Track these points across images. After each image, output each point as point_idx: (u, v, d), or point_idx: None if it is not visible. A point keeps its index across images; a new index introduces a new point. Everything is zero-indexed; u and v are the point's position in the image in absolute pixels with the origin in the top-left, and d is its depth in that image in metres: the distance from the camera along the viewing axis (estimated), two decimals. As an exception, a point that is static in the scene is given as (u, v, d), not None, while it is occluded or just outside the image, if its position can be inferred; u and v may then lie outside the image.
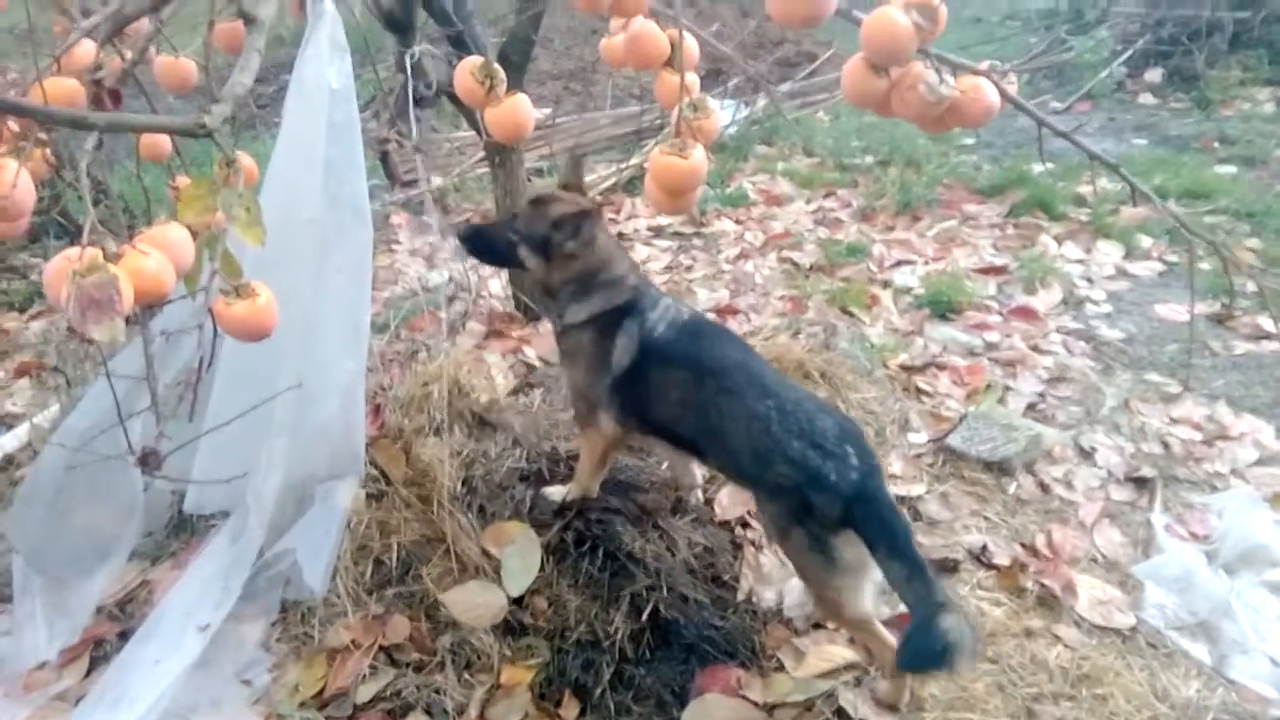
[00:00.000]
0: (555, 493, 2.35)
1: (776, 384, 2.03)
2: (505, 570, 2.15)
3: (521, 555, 2.17)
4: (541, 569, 2.16)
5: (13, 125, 1.47)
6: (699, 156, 1.46)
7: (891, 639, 1.91)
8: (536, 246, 2.12)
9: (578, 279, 2.14)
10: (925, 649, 1.66)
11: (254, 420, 1.85)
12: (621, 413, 2.15)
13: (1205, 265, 3.64)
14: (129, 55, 1.70)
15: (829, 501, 1.81)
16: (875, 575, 1.85)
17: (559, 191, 2.22)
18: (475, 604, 2.10)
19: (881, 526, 1.79)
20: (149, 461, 1.44)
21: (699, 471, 2.50)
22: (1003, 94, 1.38)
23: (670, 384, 2.08)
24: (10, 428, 2.95)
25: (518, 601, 2.13)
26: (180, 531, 2.42)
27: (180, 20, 1.78)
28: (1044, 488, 2.63)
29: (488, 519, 2.29)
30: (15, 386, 3.27)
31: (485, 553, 2.19)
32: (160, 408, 1.40)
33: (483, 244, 2.29)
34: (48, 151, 1.56)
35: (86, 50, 1.57)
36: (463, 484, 2.36)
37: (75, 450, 1.90)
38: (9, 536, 2.27)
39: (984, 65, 1.40)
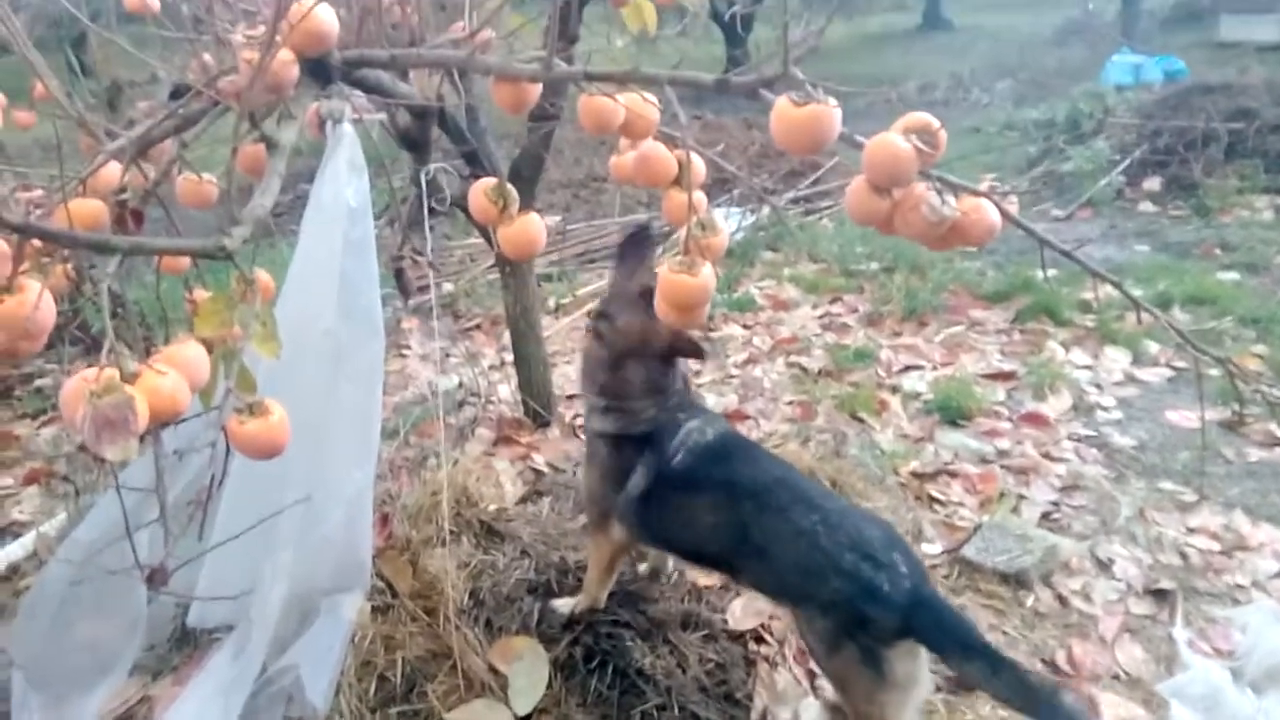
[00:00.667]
0: (563, 605, 2.32)
1: (819, 496, 2.00)
2: (512, 688, 2.10)
3: (529, 672, 2.12)
4: (549, 686, 2.11)
5: (36, 243, 1.51)
6: (707, 274, 1.48)
7: None
8: (623, 337, 2.11)
9: (621, 386, 2.12)
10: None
11: (260, 532, 1.84)
12: (635, 530, 2.14)
13: (1214, 371, 3.62)
14: (152, 175, 1.76)
15: (886, 613, 1.77)
16: (921, 694, 1.85)
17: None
18: (481, 723, 2.05)
19: (947, 630, 1.77)
20: (156, 578, 1.43)
21: (671, 560, 2.48)
22: (1004, 213, 1.40)
23: (699, 509, 2.04)
24: (17, 536, 2.92)
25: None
26: (183, 645, 2.37)
27: (201, 138, 1.85)
28: (1062, 601, 2.58)
29: (495, 633, 2.25)
30: (24, 494, 3.25)
31: (492, 669, 2.15)
32: (169, 523, 1.40)
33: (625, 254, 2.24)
34: (69, 267, 1.60)
35: (112, 171, 1.62)
36: (470, 596, 2.33)
37: (81, 564, 1.88)
38: (10, 650, 2.23)
39: (985, 185, 1.43)
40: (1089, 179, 6.74)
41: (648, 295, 1.89)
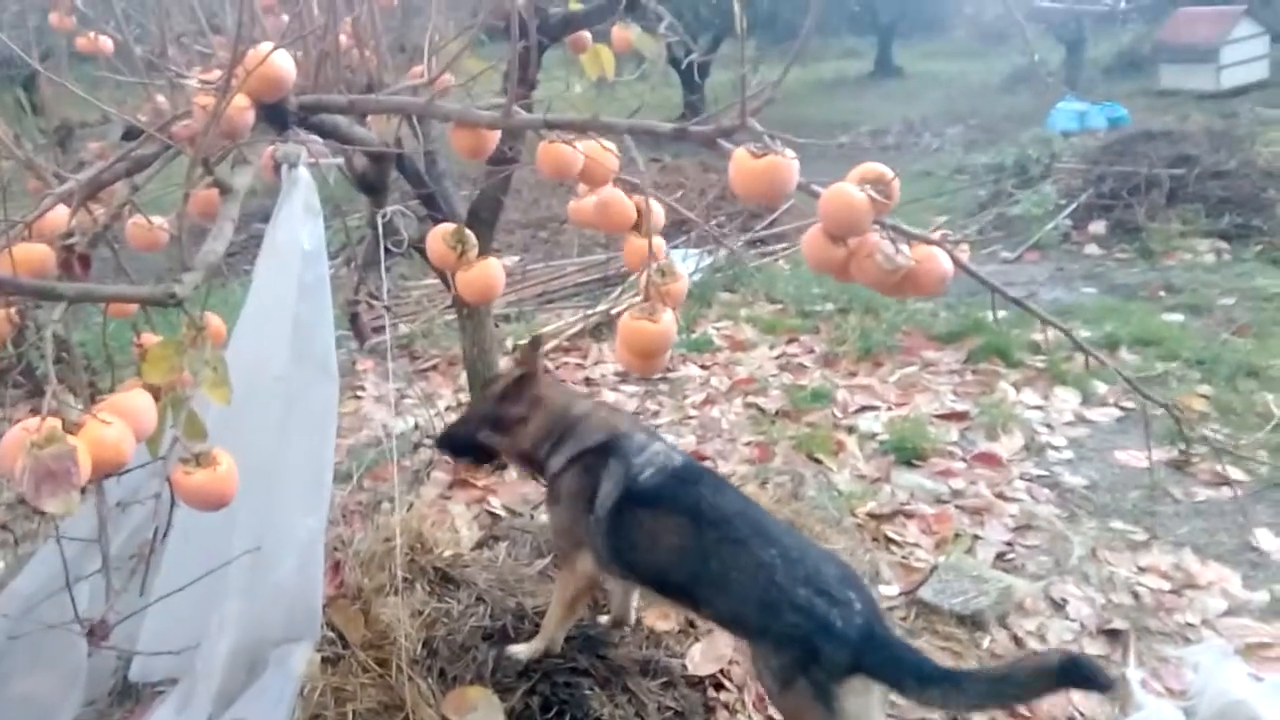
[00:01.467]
0: (520, 651, 2.29)
1: (778, 531, 2.05)
2: (466, 741, 2.06)
3: (483, 725, 2.08)
4: (504, 737, 2.07)
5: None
6: (668, 320, 1.49)
7: None
8: (493, 426, 2.29)
9: (546, 436, 2.23)
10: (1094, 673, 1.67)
11: (207, 582, 1.79)
12: (605, 555, 2.14)
13: (1160, 412, 3.72)
14: (101, 218, 1.73)
15: (838, 649, 1.81)
16: None
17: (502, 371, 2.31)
18: (435, 778, 2.00)
19: (901, 664, 1.82)
20: (97, 633, 1.39)
21: (634, 609, 2.50)
22: (956, 262, 1.43)
23: (665, 530, 2.08)
24: (-48, 586, 2.82)
25: (479, 774, 2.03)
26: (125, 699, 2.29)
27: (154, 186, 1.82)
28: (1018, 641, 2.60)
29: (449, 683, 2.20)
30: (-39, 543, 3.14)
31: (445, 720, 2.10)
32: (111, 576, 1.36)
33: (458, 445, 2.43)
34: (12, 311, 1.56)
35: (59, 215, 1.59)
36: (423, 646, 2.28)
37: (19, 618, 1.82)
38: (-61, 709, 2.14)
39: (936, 231, 1.46)
40: (1037, 222, 6.90)
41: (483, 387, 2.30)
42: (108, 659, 2.23)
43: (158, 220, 1.81)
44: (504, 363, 2.37)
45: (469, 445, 2.37)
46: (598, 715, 2.12)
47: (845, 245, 1.39)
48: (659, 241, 1.68)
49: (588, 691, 2.17)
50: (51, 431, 1.13)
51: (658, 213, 1.74)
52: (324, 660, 2.21)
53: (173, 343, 1.40)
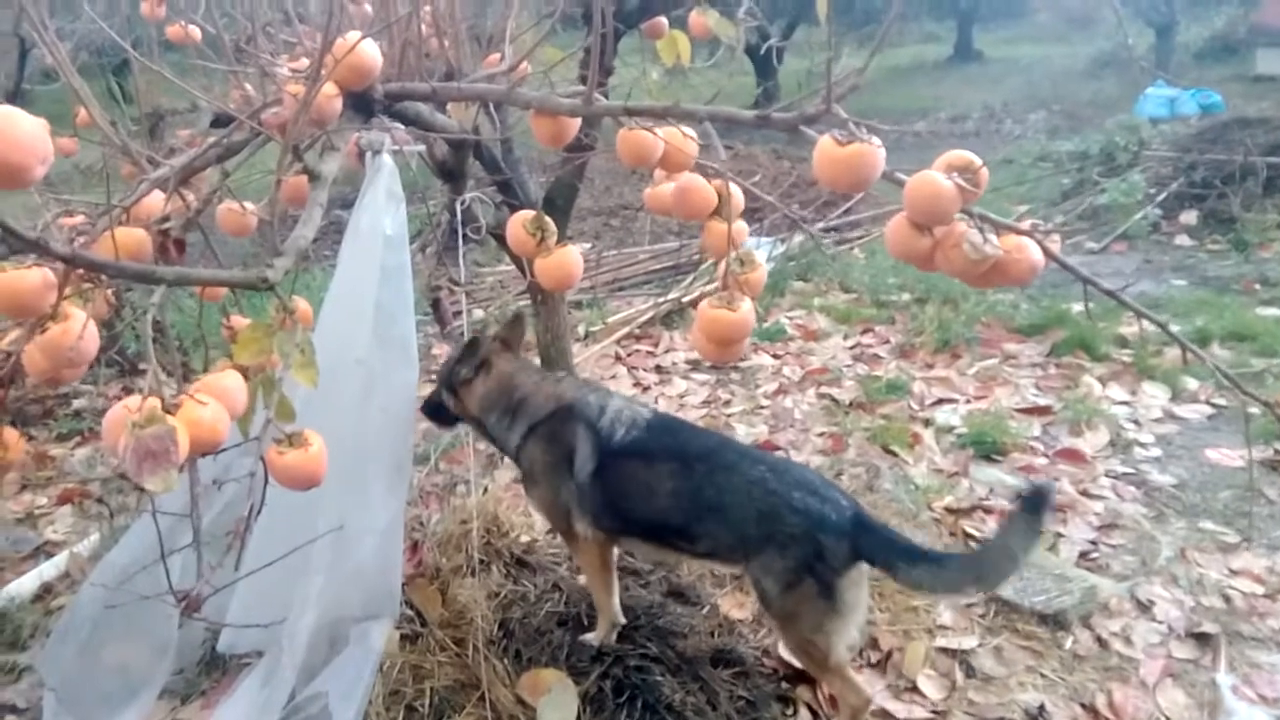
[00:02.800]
0: (591, 637, 2.31)
1: (759, 453, 2.22)
2: (542, 720, 2.08)
3: (558, 705, 2.10)
4: (578, 719, 2.08)
5: (79, 271, 1.53)
6: (747, 309, 1.48)
7: (863, 686, 2.12)
8: (448, 385, 2.35)
9: (494, 406, 2.29)
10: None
11: (292, 560, 1.84)
12: (597, 517, 2.20)
13: (1256, 409, 3.58)
14: (194, 202, 1.78)
15: (838, 541, 1.96)
16: (861, 618, 2.09)
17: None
18: (508, 757, 2.03)
19: (891, 545, 1.98)
20: (190, 605, 1.43)
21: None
22: (1046, 252, 1.38)
23: (659, 477, 2.16)
24: (50, 556, 2.95)
25: (553, 755, 2.05)
26: (212, 669, 2.37)
27: (244, 172, 1.87)
28: (1102, 643, 2.51)
29: (524, 665, 2.23)
30: (58, 514, 3.29)
31: (520, 701, 2.12)
32: (203, 550, 1.40)
33: (431, 407, 2.44)
34: (109, 293, 1.62)
35: (154, 200, 1.64)
36: (499, 627, 2.31)
37: (115, 588, 1.89)
38: (42, 671, 2.24)
39: (1027, 223, 1.42)
40: (1124, 212, 6.68)
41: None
42: (196, 631, 2.31)
43: (247, 206, 1.85)
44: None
45: (438, 407, 2.41)
46: (669, 702, 2.12)
47: (930, 234, 1.36)
48: (740, 226, 1.67)
49: (659, 678, 2.18)
50: (152, 411, 1.17)
51: (738, 198, 1.72)
52: (403, 638, 2.26)
53: (262, 325, 1.44)
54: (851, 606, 2.00)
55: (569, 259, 1.74)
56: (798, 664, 2.30)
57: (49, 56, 1.91)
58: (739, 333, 1.50)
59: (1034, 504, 1.84)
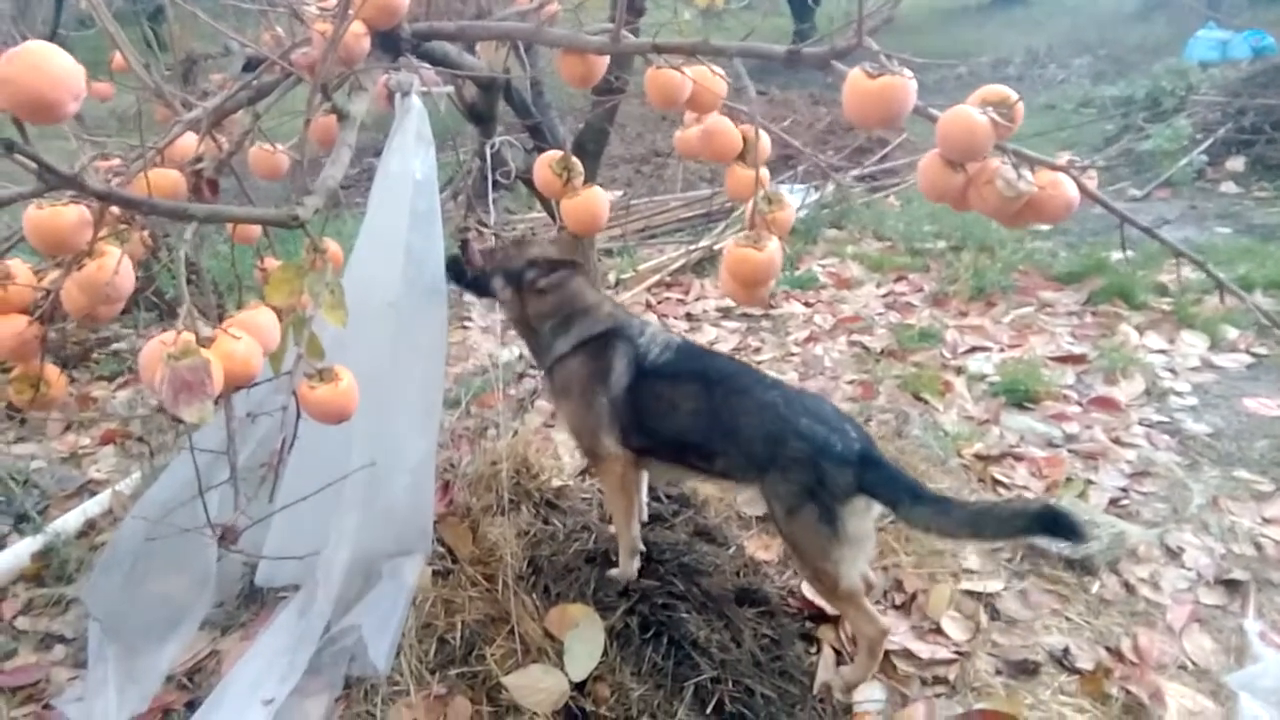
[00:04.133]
0: (617, 573, 2.35)
1: (775, 381, 2.30)
2: (568, 654, 2.12)
3: (585, 640, 2.14)
4: (604, 654, 2.13)
5: (115, 210, 1.55)
6: (774, 249, 1.47)
7: (878, 615, 2.17)
8: (511, 279, 2.34)
9: (553, 314, 2.32)
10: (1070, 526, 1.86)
11: (326, 496, 1.88)
12: (624, 433, 2.26)
13: (1297, 357, 3.53)
14: (226, 145, 1.80)
15: (840, 468, 2.01)
16: (869, 549, 2.15)
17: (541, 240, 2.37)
18: (537, 688, 2.07)
19: (895, 482, 2.04)
20: (227, 537, 1.47)
21: (644, 508, 2.57)
22: (1082, 189, 1.36)
23: (682, 397, 2.23)
24: (93, 494, 3.04)
25: (580, 687, 2.09)
26: (250, 602, 2.45)
27: (274, 109, 1.88)
28: (1129, 588, 2.51)
29: (552, 600, 2.27)
30: (100, 454, 3.38)
31: (548, 635, 2.17)
32: (239, 484, 1.44)
33: (460, 271, 2.39)
34: (145, 234, 1.65)
35: (188, 141, 1.66)
36: (528, 564, 2.36)
37: (155, 522, 1.95)
38: (87, 603, 2.32)
39: (1063, 160, 1.39)
40: (1169, 158, 6.52)
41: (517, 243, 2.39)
42: (235, 564, 2.38)
43: (278, 147, 1.87)
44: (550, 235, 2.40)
45: (477, 282, 2.40)
46: (694, 639, 2.15)
47: (964, 171, 1.35)
48: (763, 172, 1.66)
49: (685, 615, 2.21)
50: (186, 345, 1.20)
51: (764, 141, 1.71)
52: (435, 574, 2.31)
53: (293, 266, 1.46)
54: (855, 536, 2.05)
55: (596, 200, 1.73)
56: (821, 603, 2.33)
57: (84, 2, 1.93)
58: (766, 273, 1.49)
59: (1050, 526, 1.90)
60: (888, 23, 1.35)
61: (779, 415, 2.11)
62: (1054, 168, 1.35)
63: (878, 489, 2.02)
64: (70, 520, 2.84)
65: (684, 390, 2.23)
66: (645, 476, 2.49)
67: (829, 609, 2.33)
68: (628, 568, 2.36)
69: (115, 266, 1.29)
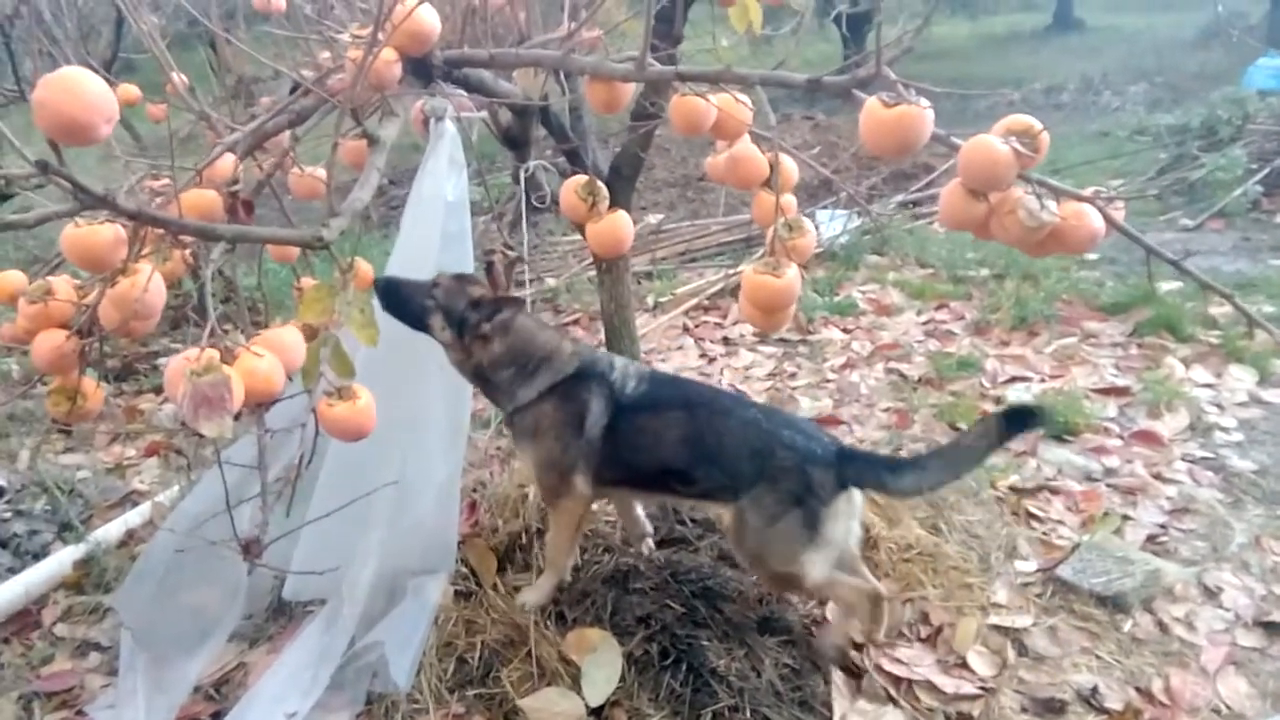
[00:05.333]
0: (532, 598, 2.35)
1: (748, 400, 2.48)
2: (586, 679, 2.12)
3: (603, 664, 2.14)
4: (622, 679, 2.13)
5: (156, 230, 1.61)
6: (792, 275, 1.48)
7: (856, 580, 2.24)
8: (452, 321, 2.16)
9: (508, 362, 2.22)
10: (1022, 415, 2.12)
11: (354, 512, 1.92)
12: (599, 471, 2.26)
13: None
14: (266, 167, 1.85)
15: (825, 471, 2.11)
16: (835, 554, 2.18)
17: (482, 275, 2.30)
18: (554, 712, 2.08)
19: (874, 465, 2.21)
20: (251, 550, 1.51)
21: (646, 521, 2.62)
22: (1109, 220, 1.35)
23: (666, 425, 2.26)
24: (136, 505, 3.12)
25: (596, 712, 2.09)
26: (279, 615, 2.49)
27: (315, 132, 1.93)
28: (1163, 628, 2.45)
29: (569, 624, 2.28)
30: (144, 465, 3.46)
31: (565, 659, 2.18)
32: (268, 499, 1.47)
33: (397, 300, 2.15)
34: (187, 253, 1.70)
35: (227, 163, 1.72)
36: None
37: (186, 534, 2.00)
38: (120, 611, 2.38)
39: (1089, 191, 1.38)
40: (1223, 188, 6.38)
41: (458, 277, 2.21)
42: (265, 577, 2.42)
43: (318, 171, 1.92)
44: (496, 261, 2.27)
45: (409, 309, 2.16)
46: (714, 666, 2.14)
47: (986, 200, 1.34)
48: (788, 198, 1.67)
49: (705, 643, 2.20)
50: (209, 361, 1.24)
51: (791, 168, 1.72)
52: (457, 593, 2.33)
53: (325, 286, 1.50)
54: (831, 538, 2.14)
55: (620, 225, 1.75)
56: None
57: (140, 27, 2.00)
58: (784, 299, 1.50)
59: (1018, 423, 2.07)
60: (907, 53, 1.36)
61: (762, 430, 2.18)
62: (1079, 198, 1.34)
63: (862, 478, 2.16)
64: (112, 530, 2.91)
65: (668, 419, 2.26)
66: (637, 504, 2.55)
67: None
68: (543, 594, 2.35)
69: (145, 284, 1.33)
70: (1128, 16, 18.32)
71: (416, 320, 2.17)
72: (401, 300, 2.15)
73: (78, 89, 1.09)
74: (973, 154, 1.28)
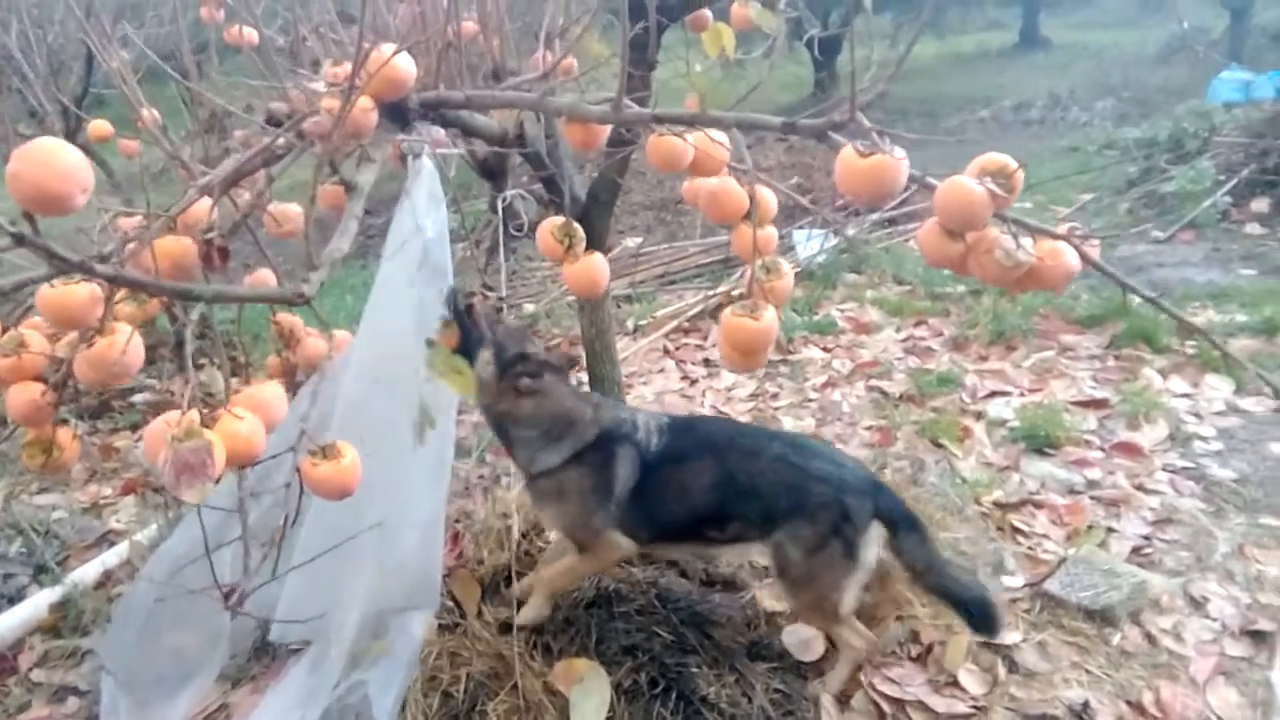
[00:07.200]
0: (528, 617, 2.35)
1: (773, 432, 2.48)
2: (575, 710, 2.10)
3: (590, 693, 2.12)
4: (611, 709, 2.11)
5: (133, 271, 1.59)
6: (770, 318, 1.49)
7: (867, 633, 2.28)
8: (499, 361, 2.20)
9: (532, 422, 2.23)
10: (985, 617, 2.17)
11: (338, 554, 1.90)
12: (632, 531, 2.25)
13: (1323, 403, 3.47)
14: (242, 206, 1.84)
15: (862, 502, 2.14)
16: (868, 578, 2.23)
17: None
18: (545, 747, 2.06)
19: (900, 509, 2.22)
20: (233, 598, 1.49)
21: None
22: (1084, 258, 1.36)
23: (695, 475, 2.25)
24: (113, 544, 3.08)
25: (587, 745, 2.08)
26: (262, 655, 2.45)
27: (291, 169, 1.93)
28: (1151, 640, 2.47)
29: (555, 655, 2.26)
30: (121, 504, 3.42)
31: (551, 690, 2.16)
32: (250, 545, 1.46)
33: (462, 318, 2.18)
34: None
35: (202, 207, 1.70)
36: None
37: (167, 580, 1.97)
38: (101, 655, 2.34)
39: (1064, 228, 1.40)
40: (1192, 200, 6.47)
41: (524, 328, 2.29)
42: (248, 619, 2.39)
43: (295, 209, 1.91)
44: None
45: (469, 336, 2.17)
46: (704, 694, 2.14)
47: (963, 240, 1.36)
48: (769, 232, 1.67)
49: (695, 670, 2.20)
50: (190, 426, 1.23)
51: (770, 200, 1.72)
52: (441, 626, 2.31)
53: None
54: (865, 563, 2.17)
55: (595, 267, 1.77)
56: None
57: (114, 63, 1.99)
58: (761, 341, 1.50)
59: (975, 616, 2.18)
60: (882, 97, 1.38)
61: (792, 465, 2.19)
62: (1055, 236, 1.36)
63: (886, 514, 2.18)
64: (89, 571, 2.87)
65: (695, 468, 2.25)
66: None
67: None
68: (538, 612, 2.35)
69: (124, 345, 1.32)
70: (1092, 33, 18.58)
71: (469, 341, 2.18)
72: (469, 317, 2.21)
73: (53, 160, 1.07)
74: (948, 195, 1.29)
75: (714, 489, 2.23)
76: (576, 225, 1.75)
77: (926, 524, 2.28)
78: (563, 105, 1.65)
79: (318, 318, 1.42)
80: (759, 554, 2.31)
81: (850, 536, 2.13)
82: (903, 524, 2.18)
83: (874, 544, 2.18)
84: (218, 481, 1.20)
